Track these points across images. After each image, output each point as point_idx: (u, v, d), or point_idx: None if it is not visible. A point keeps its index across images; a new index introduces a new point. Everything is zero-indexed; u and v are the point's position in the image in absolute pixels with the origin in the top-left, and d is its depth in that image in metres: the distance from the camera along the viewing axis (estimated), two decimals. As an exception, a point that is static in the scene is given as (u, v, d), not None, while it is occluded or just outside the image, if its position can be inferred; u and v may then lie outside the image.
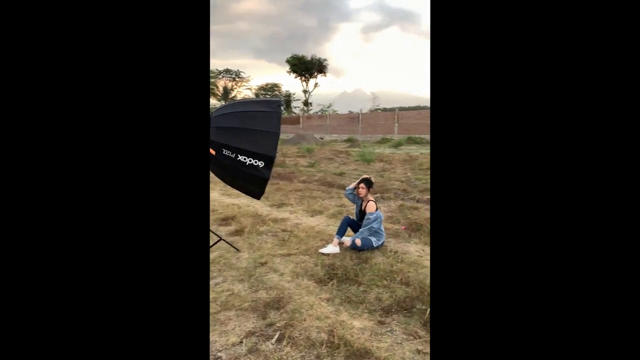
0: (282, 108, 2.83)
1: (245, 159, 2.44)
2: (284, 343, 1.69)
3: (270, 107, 2.68)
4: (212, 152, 2.43)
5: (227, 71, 38.05)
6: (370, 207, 2.96)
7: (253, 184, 2.57)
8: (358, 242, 2.83)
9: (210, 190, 5.34)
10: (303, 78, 31.88)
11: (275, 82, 38.78)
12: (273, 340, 1.71)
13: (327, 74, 32.71)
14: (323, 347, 1.66)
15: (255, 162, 2.46)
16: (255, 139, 2.49)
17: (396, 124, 19.49)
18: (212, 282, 2.33)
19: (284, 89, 37.86)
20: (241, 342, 1.70)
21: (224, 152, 2.43)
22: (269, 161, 2.51)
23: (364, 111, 22.34)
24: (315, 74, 31.97)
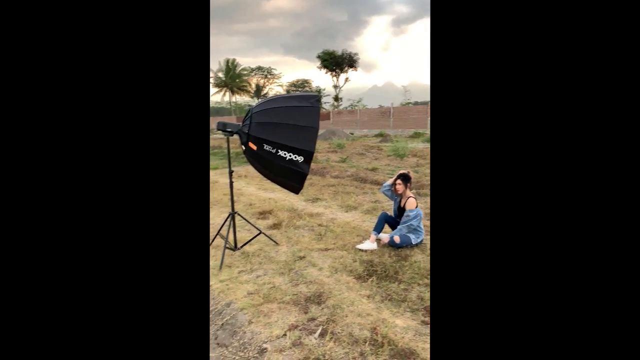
0: (319, 103, 2.82)
1: (285, 154, 2.46)
2: (327, 338, 1.69)
3: (309, 102, 2.68)
4: (253, 147, 2.47)
5: (259, 69, 38.79)
6: (410, 203, 2.88)
7: (292, 179, 2.59)
8: (397, 239, 2.77)
9: (248, 185, 5.48)
10: (334, 73, 31.70)
11: (306, 78, 38.99)
12: (316, 335, 1.71)
13: (358, 68, 32.27)
14: (366, 344, 1.64)
15: (295, 157, 2.47)
16: (295, 134, 2.50)
17: (429, 118, 18.86)
18: (253, 275, 2.38)
19: (314, 84, 37.96)
20: (285, 334, 1.72)
21: (264, 147, 2.46)
22: (308, 156, 2.51)
23: (394, 105, 21.83)
24: (346, 68, 31.66)
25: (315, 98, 2.72)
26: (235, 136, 2.60)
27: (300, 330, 1.76)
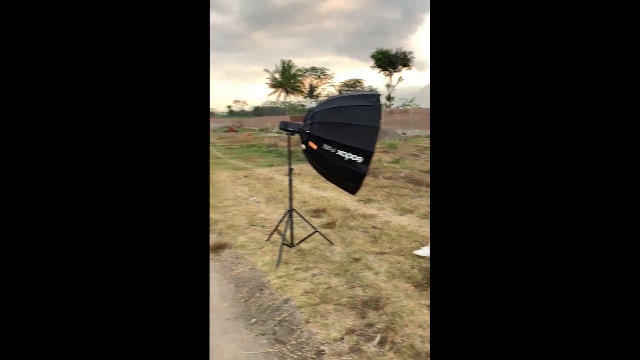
0: (380, 101, 2.73)
1: (344, 154, 2.42)
2: (387, 348, 1.61)
3: (370, 101, 2.61)
4: (313, 146, 2.47)
5: (313, 69, 39.57)
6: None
7: (350, 179, 2.54)
8: (460, 248, 2.58)
9: (301, 183, 5.55)
10: (387, 73, 31.04)
11: (358, 78, 38.88)
12: (375, 343, 1.65)
13: (412, 68, 31.19)
14: None
15: (354, 158, 2.42)
16: (356, 134, 2.46)
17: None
18: (309, 274, 2.39)
19: (366, 84, 37.65)
20: (342, 338, 1.68)
21: (324, 147, 2.45)
22: (368, 157, 2.45)
23: (453, 105, 20.60)
24: (400, 68, 30.80)
25: (376, 97, 2.64)
26: (296, 135, 2.63)
27: (358, 335, 1.70)
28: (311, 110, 2.58)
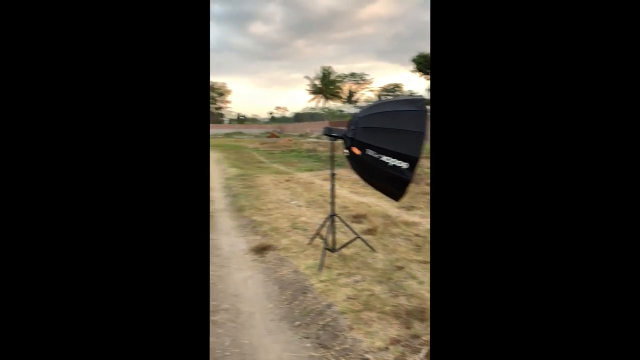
0: (426, 106, 2.66)
1: (388, 159, 2.39)
2: (434, 361, 1.55)
3: (416, 106, 2.56)
4: (357, 151, 2.47)
5: (352, 75, 39.68)
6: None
7: (394, 185, 2.50)
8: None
9: (340, 187, 5.56)
10: (427, 76, 30.20)
11: (397, 83, 38.28)
12: (421, 355, 1.59)
13: (457, 69, 30.12)
14: (482, 377, 1.44)
15: (399, 163, 2.38)
16: (400, 140, 2.42)
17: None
18: (351, 279, 2.38)
19: (405, 88, 36.91)
20: (387, 348, 1.65)
21: (367, 152, 2.44)
22: (413, 162, 2.39)
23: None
24: (443, 70, 29.87)
25: (421, 102, 2.59)
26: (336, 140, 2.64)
27: (403, 346, 1.66)
28: (354, 115, 2.58)
